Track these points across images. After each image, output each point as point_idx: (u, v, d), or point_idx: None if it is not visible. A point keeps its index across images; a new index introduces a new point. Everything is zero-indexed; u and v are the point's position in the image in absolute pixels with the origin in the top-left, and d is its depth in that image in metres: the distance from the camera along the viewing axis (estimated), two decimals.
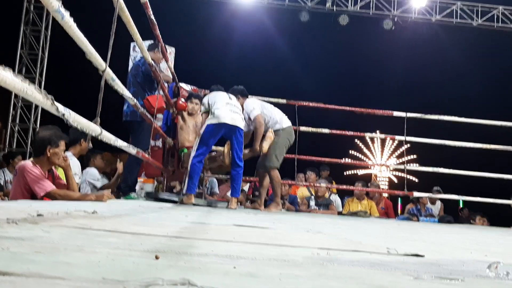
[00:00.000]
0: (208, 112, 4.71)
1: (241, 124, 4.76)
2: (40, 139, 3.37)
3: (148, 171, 5.73)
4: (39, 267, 0.66)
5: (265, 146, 5.11)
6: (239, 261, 0.92)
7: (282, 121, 5.29)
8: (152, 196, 5.06)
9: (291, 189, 7.76)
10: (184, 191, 4.69)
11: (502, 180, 6.91)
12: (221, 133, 4.68)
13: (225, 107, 4.67)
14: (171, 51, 6.03)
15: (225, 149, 4.99)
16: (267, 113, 5.23)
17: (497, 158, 8.87)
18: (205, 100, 4.84)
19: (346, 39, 14.64)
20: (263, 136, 5.14)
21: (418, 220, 7.09)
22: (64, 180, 3.55)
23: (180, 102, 5.25)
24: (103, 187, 5.19)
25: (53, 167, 3.47)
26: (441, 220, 6.85)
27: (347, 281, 0.79)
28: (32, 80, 10.08)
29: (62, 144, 3.39)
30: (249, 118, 5.10)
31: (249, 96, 5.36)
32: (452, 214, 8.06)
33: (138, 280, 0.60)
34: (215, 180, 7.21)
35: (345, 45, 16.27)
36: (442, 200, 8.13)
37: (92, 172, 5.23)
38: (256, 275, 0.76)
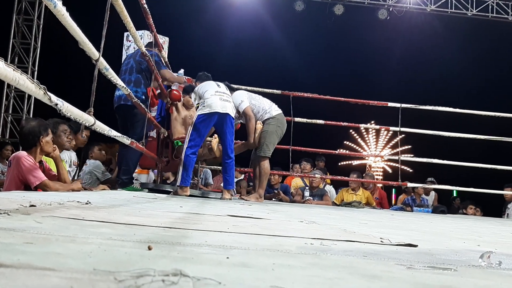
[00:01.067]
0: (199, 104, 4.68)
1: (232, 112, 4.71)
2: (31, 131, 3.30)
3: (143, 162, 5.71)
4: (29, 258, 0.65)
5: (256, 137, 5.07)
6: (232, 251, 0.92)
7: (272, 109, 5.19)
8: (146, 187, 5.05)
9: (286, 179, 7.79)
10: (178, 183, 4.66)
11: (495, 171, 6.96)
12: (213, 122, 4.64)
13: (215, 96, 4.63)
14: (165, 40, 5.99)
15: (213, 141, 4.97)
16: (255, 103, 5.16)
17: (490, 149, 8.93)
18: (195, 91, 4.80)
19: (341, 29, 14.59)
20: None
21: (411, 210, 7.14)
22: (54, 171, 3.54)
23: (174, 92, 5.22)
24: (106, 181, 5.15)
25: (42, 159, 3.45)
26: (435, 210, 6.90)
27: (340, 271, 0.79)
28: (25, 70, 10.00)
29: (50, 132, 3.39)
30: (238, 112, 5.05)
31: (235, 88, 5.29)
32: (446, 204, 8.13)
33: (130, 271, 0.60)
34: (209, 171, 7.21)
35: (340, 35, 16.23)
36: (436, 190, 8.19)
37: (98, 165, 5.19)
38: (249, 265, 0.76)
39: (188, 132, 4.73)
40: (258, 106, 5.17)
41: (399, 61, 17.60)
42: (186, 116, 5.36)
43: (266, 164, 5.09)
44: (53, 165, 3.58)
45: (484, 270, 0.94)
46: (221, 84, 4.88)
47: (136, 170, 5.63)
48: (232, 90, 5.20)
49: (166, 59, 5.69)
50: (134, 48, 5.47)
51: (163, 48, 5.54)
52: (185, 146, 4.64)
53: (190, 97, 5.10)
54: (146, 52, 4.21)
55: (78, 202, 1.99)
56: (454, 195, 10.55)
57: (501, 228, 3.38)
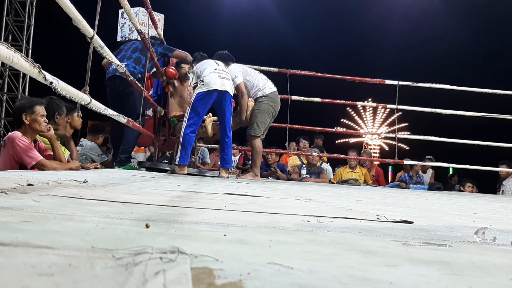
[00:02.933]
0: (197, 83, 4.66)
1: (231, 91, 4.69)
2: (15, 109, 3.34)
3: (140, 140, 5.69)
4: (27, 236, 0.65)
5: (247, 114, 5.05)
6: (229, 228, 0.92)
7: (266, 87, 5.13)
8: (144, 166, 5.05)
9: (282, 158, 7.81)
10: (176, 162, 4.66)
11: (491, 148, 6.99)
12: (212, 100, 4.61)
13: (214, 73, 4.59)
14: (160, 17, 5.90)
15: (207, 120, 4.96)
16: (250, 79, 5.10)
17: (489, 126, 8.95)
18: (193, 71, 4.77)
19: (339, 5, 14.43)
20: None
21: (407, 187, 7.19)
22: (50, 151, 3.53)
23: (170, 70, 5.19)
24: (102, 163, 5.12)
25: (38, 139, 3.43)
26: (431, 187, 6.95)
27: (337, 247, 0.79)
28: (19, 48, 9.88)
29: (37, 109, 3.27)
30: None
31: (233, 60, 5.20)
32: (443, 182, 8.19)
33: (128, 249, 0.60)
34: (206, 149, 7.22)
35: (339, 11, 16.06)
36: (433, 167, 8.23)
37: (94, 147, 5.13)
38: (246, 242, 0.77)
39: (186, 111, 4.71)
40: (252, 82, 5.11)
41: (398, 37, 17.47)
42: (183, 93, 5.34)
43: (257, 142, 5.06)
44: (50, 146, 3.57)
45: (478, 245, 0.95)
46: (219, 62, 4.83)
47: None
48: (231, 61, 5.15)
49: (162, 37, 5.62)
50: (129, 25, 5.40)
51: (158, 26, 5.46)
52: (184, 125, 4.62)
53: (181, 68, 5.17)
54: (141, 30, 4.16)
55: (75, 181, 1.99)
56: (451, 172, 10.61)
57: (496, 204, 3.41)
